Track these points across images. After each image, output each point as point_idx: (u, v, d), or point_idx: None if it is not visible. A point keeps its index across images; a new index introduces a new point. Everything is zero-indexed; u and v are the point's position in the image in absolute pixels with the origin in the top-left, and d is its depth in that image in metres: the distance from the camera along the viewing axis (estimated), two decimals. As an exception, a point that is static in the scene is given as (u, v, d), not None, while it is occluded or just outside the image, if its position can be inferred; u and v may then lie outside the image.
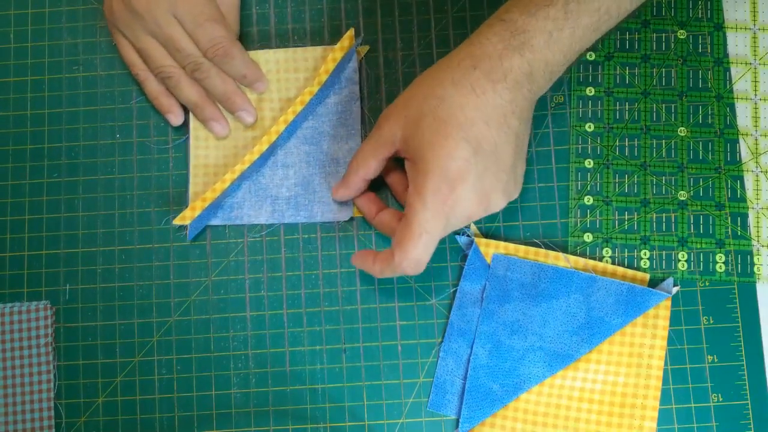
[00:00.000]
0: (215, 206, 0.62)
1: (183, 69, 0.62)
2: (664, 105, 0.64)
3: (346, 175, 0.60)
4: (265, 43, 0.65)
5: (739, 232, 0.62)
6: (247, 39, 0.65)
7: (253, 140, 0.64)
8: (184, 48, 0.61)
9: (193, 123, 0.64)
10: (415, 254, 0.54)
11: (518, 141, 0.55)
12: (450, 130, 0.53)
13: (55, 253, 0.63)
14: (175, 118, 0.64)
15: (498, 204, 0.56)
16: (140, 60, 0.63)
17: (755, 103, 0.64)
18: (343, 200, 0.62)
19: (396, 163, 0.61)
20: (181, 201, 0.64)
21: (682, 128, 0.63)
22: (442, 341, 0.61)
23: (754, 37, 0.64)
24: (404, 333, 0.62)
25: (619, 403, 0.59)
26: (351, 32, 0.63)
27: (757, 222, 0.62)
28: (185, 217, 0.61)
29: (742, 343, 0.61)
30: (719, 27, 0.64)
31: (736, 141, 0.63)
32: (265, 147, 0.61)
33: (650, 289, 0.59)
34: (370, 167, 0.58)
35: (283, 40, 0.65)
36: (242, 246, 0.63)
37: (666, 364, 0.60)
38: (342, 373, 0.61)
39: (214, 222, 0.63)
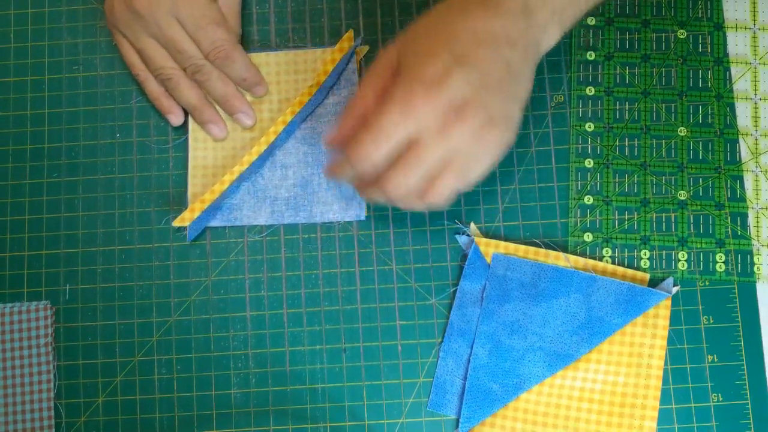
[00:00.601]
0: (214, 208, 0.62)
1: (183, 71, 0.62)
2: (664, 105, 0.64)
3: (342, 119, 0.56)
4: (265, 43, 0.65)
5: (739, 232, 0.62)
6: (247, 39, 0.65)
7: (251, 141, 0.64)
8: (186, 50, 0.61)
9: (192, 125, 0.64)
10: (368, 147, 0.51)
11: (510, 71, 0.52)
12: (436, 43, 0.52)
13: (55, 253, 0.63)
14: (176, 119, 0.64)
15: (474, 116, 0.52)
16: (140, 60, 0.63)
17: (755, 103, 0.63)
18: (334, 145, 0.57)
19: None
20: (181, 201, 0.64)
21: (682, 128, 0.63)
22: (442, 341, 0.61)
23: (754, 37, 0.64)
24: (404, 333, 0.62)
25: (619, 403, 0.59)
26: (350, 34, 0.63)
27: (757, 222, 0.62)
28: (184, 219, 0.61)
29: (742, 343, 0.61)
30: (719, 27, 0.64)
31: (736, 141, 0.63)
32: (263, 148, 0.61)
33: (650, 288, 0.59)
34: (367, 99, 0.55)
35: (283, 41, 0.65)
36: (242, 246, 0.63)
37: (666, 364, 0.60)
38: (342, 373, 0.61)
39: (214, 223, 0.63)
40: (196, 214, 0.60)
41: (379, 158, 0.52)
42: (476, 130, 0.52)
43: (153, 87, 0.63)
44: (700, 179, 0.63)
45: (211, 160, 0.64)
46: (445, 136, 0.52)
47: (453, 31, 0.52)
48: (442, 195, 0.53)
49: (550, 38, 0.55)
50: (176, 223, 0.61)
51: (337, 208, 0.63)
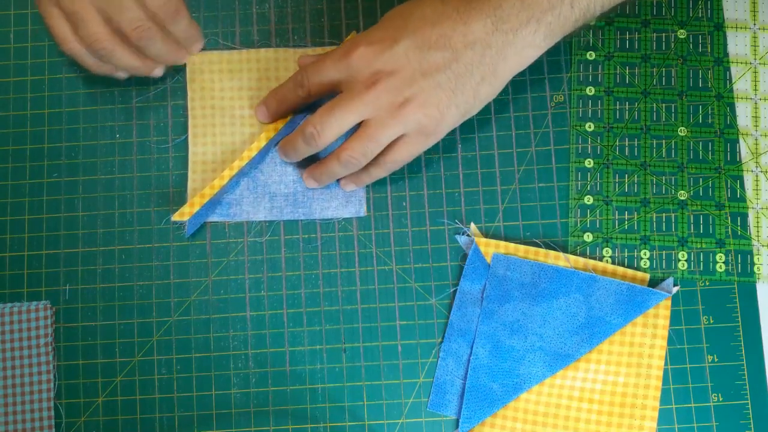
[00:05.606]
0: (214, 203, 0.62)
1: (115, 38, 0.59)
2: (664, 105, 0.64)
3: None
4: (265, 42, 0.65)
5: (739, 232, 0.62)
6: (247, 39, 0.66)
7: (251, 137, 0.64)
8: (131, 8, 0.58)
9: (191, 121, 0.64)
10: (309, 75, 0.57)
11: (456, 67, 0.54)
12: (399, 17, 0.55)
13: (55, 253, 0.63)
14: (123, 74, 0.63)
15: (399, 88, 0.54)
16: (71, 32, 0.59)
17: (755, 103, 0.64)
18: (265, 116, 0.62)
19: None
20: (180, 200, 0.64)
21: (682, 128, 0.63)
22: (442, 341, 0.61)
23: (754, 37, 0.64)
24: (404, 333, 0.62)
25: (619, 403, 0.59)
26: (353, 35, 0.63)
27: (757, 222, 0.62)
28: (184, 214, 0.60)
29: (742, 343, 0.61)
30: (719, 26, 0.64)
31: (736, 141, 0.63)
32: (263, 143, 0.61)
33: (650, 288, 0.59)
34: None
35: (283, 40, 0.65)
36: (242, 245, 0.63)
37: (666, 364, 0.60)
38: (342, 373, 0.61)
39: (213, 218, 0.63)
40: (196, 209, 0.60)
41: (311, 89, 0.56)
42: (395, 101, 0.54)
43: (88, 60, 0.61)
44: (700, 179, 0.63)
45: (211, 155, 0.64)
46: (369, 92, 0.54)
47: (420, 11, 0.54)
48: (353, 152, 0.57)
49: (528, 48, 0.55)
50: (175, 218, 0.60)
51: (336, 205, 0.63)
